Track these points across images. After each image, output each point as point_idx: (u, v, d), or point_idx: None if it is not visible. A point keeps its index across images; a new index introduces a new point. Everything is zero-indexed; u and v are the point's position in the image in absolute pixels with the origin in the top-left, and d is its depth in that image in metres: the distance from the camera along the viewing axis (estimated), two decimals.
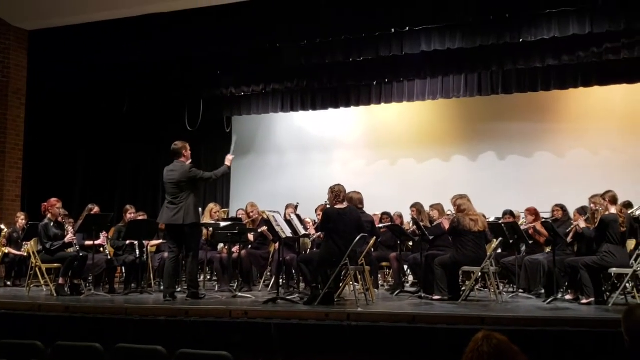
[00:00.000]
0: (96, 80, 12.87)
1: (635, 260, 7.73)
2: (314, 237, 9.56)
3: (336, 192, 7.88)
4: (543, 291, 8.65)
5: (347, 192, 8.28)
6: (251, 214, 10.26)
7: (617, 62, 11.03)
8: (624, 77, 11.73)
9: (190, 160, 8.38)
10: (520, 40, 10.44)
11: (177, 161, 8.36)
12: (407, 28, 10.70)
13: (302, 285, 9.25)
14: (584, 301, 7.65)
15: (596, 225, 7.89)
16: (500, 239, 8.67)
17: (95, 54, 11.97)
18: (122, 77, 12.84)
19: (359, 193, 8.84)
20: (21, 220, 10.74)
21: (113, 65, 12.33)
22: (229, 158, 8.72)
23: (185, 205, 8.06)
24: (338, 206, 7.84)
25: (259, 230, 9.77)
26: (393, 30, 10.77)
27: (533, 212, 9.41)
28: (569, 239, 8.49)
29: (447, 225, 8.81)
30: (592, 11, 9.80)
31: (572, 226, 8.43)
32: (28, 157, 12.37)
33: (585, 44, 10.63)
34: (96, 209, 9.80)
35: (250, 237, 9.96)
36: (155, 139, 14.71)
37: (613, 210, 7.78)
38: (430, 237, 9.04)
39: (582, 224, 8.20)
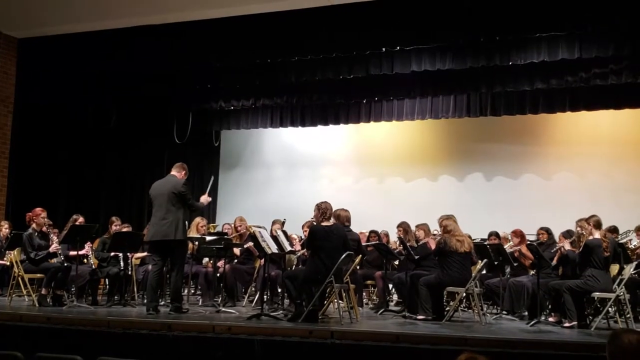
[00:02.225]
0: (85, 91, 12.83)
1: (618, 285, 7.77)
2: (300, 254, 9.55)
3: (322, 210, 7.88)
4: (526, 313, 8.66)
5: (335, 209, 8.29)
6: (239, 228, 10.24)
7: (605, 88, 11.15)
8: (611, 103, 11.85)
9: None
10: (510, 63, 10.53)
11: (170, 175, 8.40)
12: (398, 48, 10.76)
13: (286, 301, 9.21)
14: (567, 324, 7.68)
15: (580, 249, 7.94)
16: (485, 260, 8.69)
17: (85, 64, 11.95)
18: (110, 88, 12.80)
19: (346, 210, 8.84)
20: (5, 229, 10.65)
21: (102, 76, 12.31)
22: (205, 199, 8.63)
23: (175, 220, 8.05)
24: (324, 223, 7.83)
25: (245, 246, 9.75)
26: (384, 49, 10.83)
27: (519, 234, 9.44)
28: (554, 262, 8.54)
29: (433, 245, 8.82)
30: (581, 36, 9.91)
31: (557, 247, 8.49)
32: (14, 166, 12.30)
33: (574, 68, 10.74)
34: (81, 219, 9.75)
35: (237, 251, 9.93)
36: (143, 151, 14.70)
37: (597, 235, 7.83)
38: (416, 257, 9.05)
39: (567, 246, 8.25)
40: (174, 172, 8.46)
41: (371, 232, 10.87)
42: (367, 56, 11.10)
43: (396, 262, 10.40)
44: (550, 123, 13.43)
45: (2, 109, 12.11)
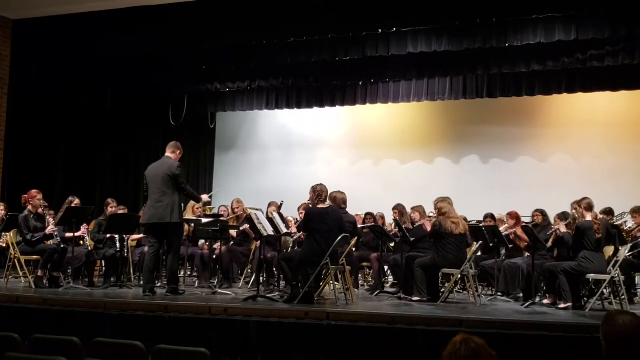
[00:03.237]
0: (79, 73, 12.77)
1: (613, 266, 7.80)
2: (296, 237, 9.55)
3: (318, 192, 7.87)
4: (521, 295, 8.70)
5: (331, 191, 8.29)
6: (236, 210, 10.24)
7: (601, 70, 11.15)
8: (607, 85, 11.85)
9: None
10: (506, 44, 10.50)
11: (165, 157, 8.37)
12: (394, 29, 10.72)
13: (282, 283, 9.24)
14: (562, 306, 7.71)
15: (572, 232, 7.98)
16: (480, 242, 8.72)
17: (80, 45, 11.87)
18: (105, 70, 12.75)
19: (342, 193, 8.85)
20: (0, 210, 10.63)
21: (97, 58, 12.24)
22: (205, 197, 9.03)
23: (171, 203, 8.03)
24: (320, 206, 7.83)
25: (241, 228, 9.75)
26: (380, 30, 10.79)
27: (514, 216, 9.46)
28: (549, 244, 8.56)
29: (429, 227, 8.84)
30: (578, 18, 9.87)
31: (553, 230, 8.51)
32: (9, 148, 12.25)
33: (570, 50, 10.73)
34: (77, 201, 9.70)
35: (233, 233, 9.94)
36: (138, 133, 14.66)
37: (588, 217, 7.86)
38: (412, 239, 9.06)
39: (563, 228, 8.28)
40: (168, 153, 8.42)
41: (367, 214, 10.89)
42: (363, 37, 11.06)
43: (392, 244, 10.43)
44: (546, 105, 13.44)
45: None
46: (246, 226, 9.48)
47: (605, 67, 10.90)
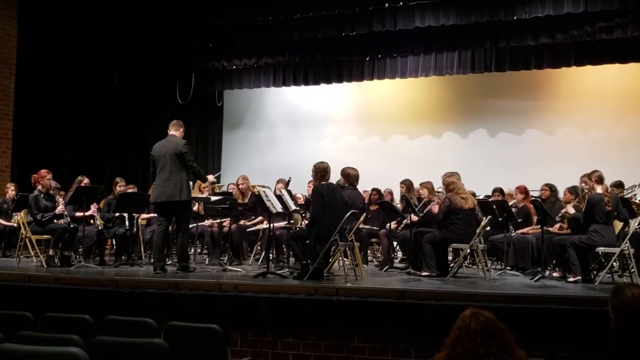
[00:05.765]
0: (87, 51, 12.75)
1: (623, 239, 7.78)
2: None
3: (320, 171, 7.79)
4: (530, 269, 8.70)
5: (343, 167, 8.27)
6: (241, 186, 10.22)
7: (610, 42, 11.07)
8: (616, 57, 11.77)
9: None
10: (515, 17, 10.44)
11: (170, 135, 8.35)
12: (401, 3, 10.67)
13: (291, 260, 9.26)
14: (571, 279, 7.71)
15: (583, 205, 7.95)
16: (489, 216, 8.70)
17: (87, 23, 11.85)
18: (113, 48, 12.73)
19: (355, 169, 8.75)
20: (11, 191, 10.68)
21: (105, 36, 12.21)
22: (211, 177, 9.00)
23: (179, 181, 8.02)
24: (324, 183, 7.76)
25: (255, 221, 9.76)
26: (387, 5, 10.74)
27: (523, 191, 9.45)
28: (557, 218, 8.54)
29: (436, 210, 8.77)
30: None
31: (562, 212, 8.47)
32: (18, 128, 12.28)
33: (579, 23, 10.65)
34: (86, 181, 9.73)
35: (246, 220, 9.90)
36: (146, 112, 14.67)
37: (599, 190, 7.82)
38: (420, 217, 9.04)
39: (571, 210, 8.22)
40: (173, 131, 8.37)
41: (373, 189, 10.84)
42: (370, 12, 11.00)
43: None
44: (555, 78, 13.36)
45: (4, 71, 12.02)
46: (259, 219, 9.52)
47: (614, 39, 10.83)
